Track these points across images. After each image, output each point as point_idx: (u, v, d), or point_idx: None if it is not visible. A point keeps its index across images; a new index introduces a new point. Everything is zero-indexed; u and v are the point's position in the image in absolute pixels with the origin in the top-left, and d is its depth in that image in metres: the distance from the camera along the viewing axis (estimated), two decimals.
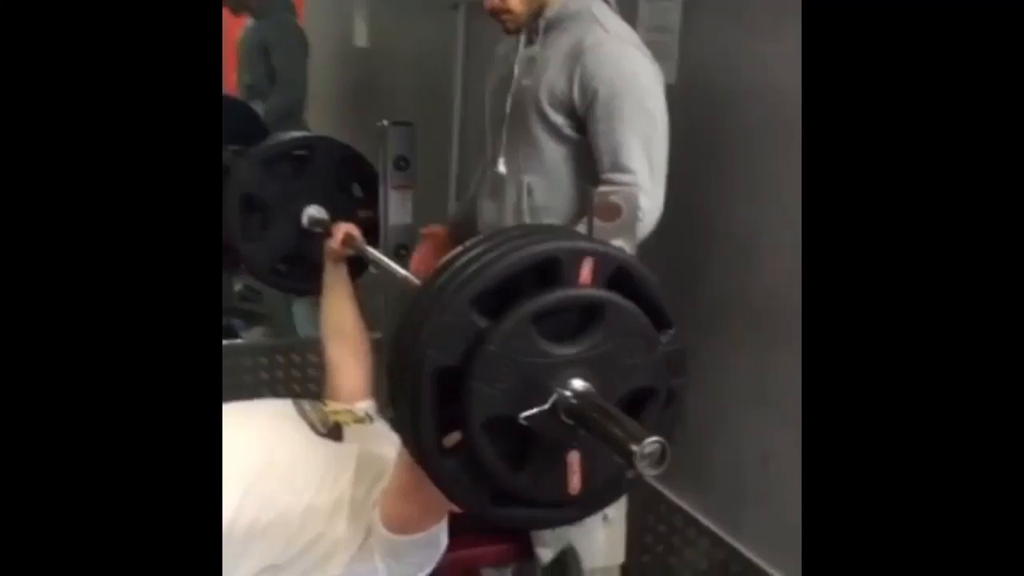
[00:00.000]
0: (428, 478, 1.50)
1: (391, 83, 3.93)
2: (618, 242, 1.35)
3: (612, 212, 1.37)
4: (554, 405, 1.12)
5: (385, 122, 2.24)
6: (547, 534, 1.81)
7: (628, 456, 1.02)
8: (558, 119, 1.80)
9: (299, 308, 3.94)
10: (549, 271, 1.14)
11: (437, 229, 2.24)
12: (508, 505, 1.20)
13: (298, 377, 3.13)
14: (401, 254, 2.23)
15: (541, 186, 1.86)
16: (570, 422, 1.13)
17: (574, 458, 1.18)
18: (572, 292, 1.14)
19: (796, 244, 1.73)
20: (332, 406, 1.87)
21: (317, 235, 2.30)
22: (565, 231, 1.40)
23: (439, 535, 1.57)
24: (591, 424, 1.10)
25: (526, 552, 1.85)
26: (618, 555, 1.72)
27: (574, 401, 1.12)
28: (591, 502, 1.25)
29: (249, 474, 1.58)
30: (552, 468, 1.18)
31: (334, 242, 2.08)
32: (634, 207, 1.40)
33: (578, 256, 1.14)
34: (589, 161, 1.79)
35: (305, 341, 3.23)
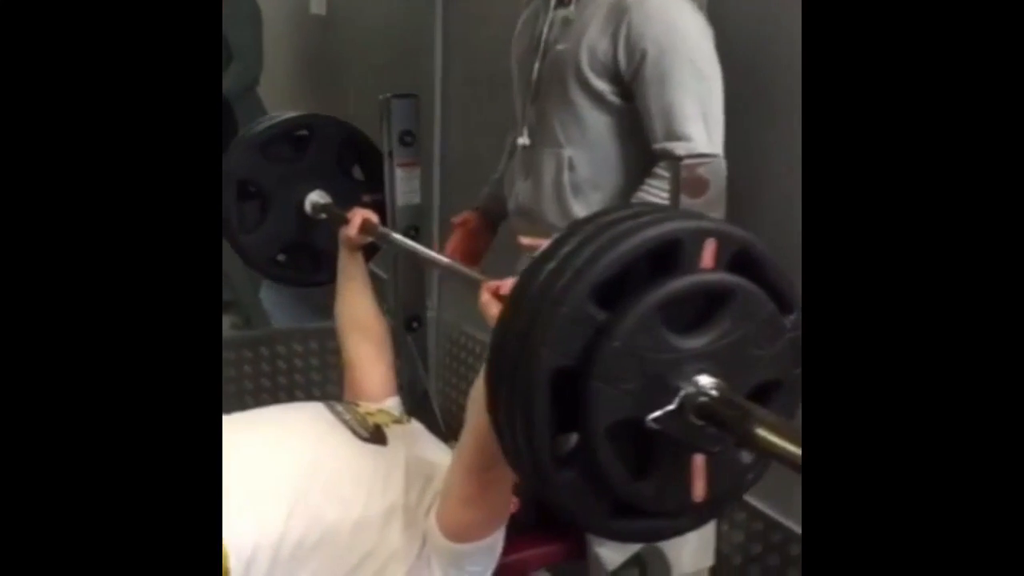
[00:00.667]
0: (495, 485, 1.40)
1: (356, 55, 3.74)
2: None
3: (700, 187, 1.26)
4: (681, 404, 1.01)
5: (388, 95, 2.08)
6: None
7: (793, 463, 0.90)
8: (601, 85, 1.65)
9: (266, 294, 3.77)
10: (669, 255, 1.02)
11: (468, 216, 2.07)
12: (629, 517, 1.08)
13: (284, 369, 2.96)
14: (411, 235, 2.07)
15: (584, 159, 1.71)
16: (699, 423, 1.01)
17: (699, 461, 1.07)
18: (701, 278, 1.02)
19: None
20: (365, 407, 1.74)
21: (320, 222, 2.14)
22: (674, 210, 1.27)
23: (498, 540, 1.49)
24: (733, 426, 0.99)
25: (578, 552, 1.74)
26: (708, 558, 1.62)
27: (706, 400, 1.01)
28: (712, 507, 1.13)
29: (294, 488, 1.45)
30: (675, 474, 1.07)
31: (351, 229, 1.91)
32: (721, 180, 1.28)
33: (701, 237, 1.03)
34: (636, 130, 1.66)
35: (287, 332, 3.07)
